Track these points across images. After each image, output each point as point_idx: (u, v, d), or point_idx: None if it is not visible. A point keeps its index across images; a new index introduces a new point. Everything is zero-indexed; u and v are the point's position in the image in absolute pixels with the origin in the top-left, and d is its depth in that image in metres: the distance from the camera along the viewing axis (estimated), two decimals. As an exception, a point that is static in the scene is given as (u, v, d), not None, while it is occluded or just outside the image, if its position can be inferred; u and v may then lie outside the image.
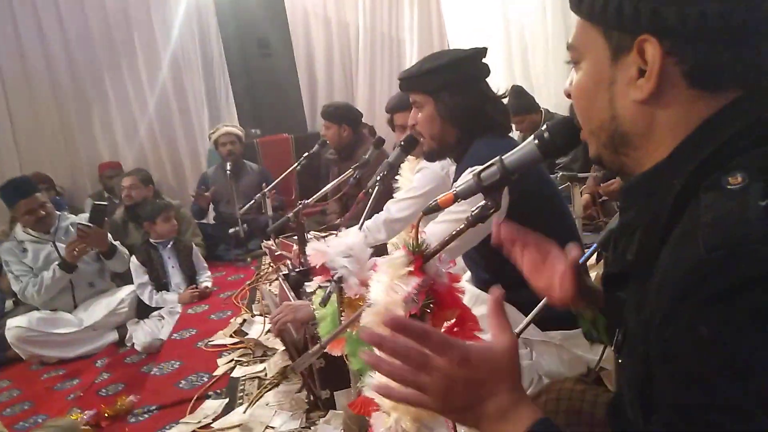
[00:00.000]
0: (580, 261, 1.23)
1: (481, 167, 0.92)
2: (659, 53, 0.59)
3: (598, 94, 0.68)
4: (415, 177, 2.21)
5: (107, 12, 5.00)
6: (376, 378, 0.84)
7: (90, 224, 3.07)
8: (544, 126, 0.87)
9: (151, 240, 3.33)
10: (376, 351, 0.66)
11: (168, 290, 3.27)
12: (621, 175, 0.74)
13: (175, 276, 3.34)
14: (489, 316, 0.69)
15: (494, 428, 0.63)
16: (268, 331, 2.52)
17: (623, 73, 0.64)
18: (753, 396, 0.47)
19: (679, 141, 0.63)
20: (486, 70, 1.58)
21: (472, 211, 0.93)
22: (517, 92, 3.62)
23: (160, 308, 3.16)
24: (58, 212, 3.26)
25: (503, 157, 0.89)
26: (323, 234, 3.07)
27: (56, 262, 3.06)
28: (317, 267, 1.45)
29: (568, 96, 0.76)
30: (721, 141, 0.59)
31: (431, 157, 1.68)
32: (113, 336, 3.10)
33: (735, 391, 0.48)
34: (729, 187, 0.54)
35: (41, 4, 4.79)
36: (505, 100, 1.66)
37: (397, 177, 2.46)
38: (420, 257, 1.00)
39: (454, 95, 1.51)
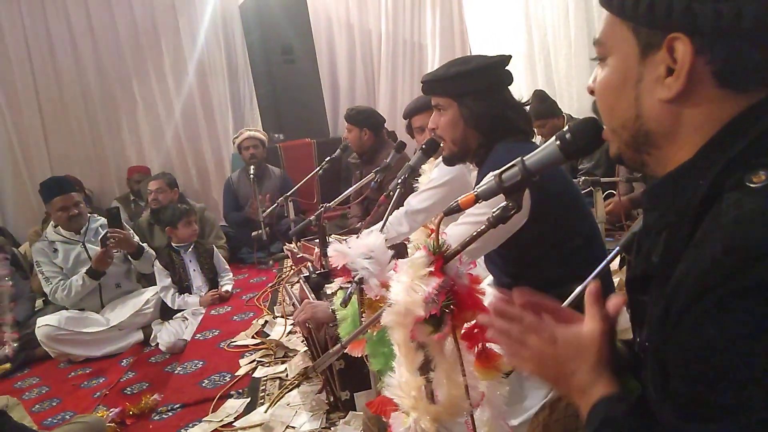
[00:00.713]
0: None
1: (504, 168, 0.93)
2: (690, 52, 0.59)
3: (623, 92, 0.67)
4: (434, 170, 2.22)
5: (136, 19, 5.13)
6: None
7: (117, 229, 3.15)
8: (566, 127, 0.87)
9: (173, 244, 3.39)
10: None
11: (190, 293, 3.33)
12: (642, 172, 0.74)
13: (197, 279, 3.39)
14: (586, 303, 0.75)
15: (578, 400, 0.72)
16: (290, 332, 2.54)
17: (651, 71, 0.63)
18: (762, 398, 0.47)
19: (704, 141, 0.62)
20: (510, 78, 1.58)
21: (493, 212, 0.93)
22: (540, 97, 3.60)
23: (183, 310, 3.21)
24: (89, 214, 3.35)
25: (524, 158, 0.89)
26: (344, 237, 3.10)
27: (84, 270, 3.14)
28: (338, 268, 1.46)
29: (591, 93, 0.75)
30: (747, 141, 0.58)
31: (451, 160, 1.68)
32: (138, 336, 3.17)
33: (745, 393, 0.48)
34: (752, 185, 0.54)
35: (73, 10, 4.94)
36: (528, 107, 1.66)
37: (417, 178, 2.48)
38: (440, 258, 1.01)
39: (478, 101, 1.51)
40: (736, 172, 0.57)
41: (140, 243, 3.37)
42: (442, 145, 1.68)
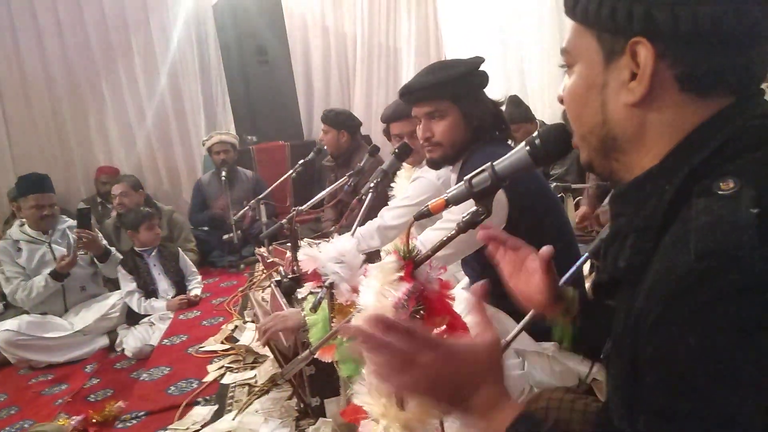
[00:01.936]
0: (570, 272, 1.24)
1: (474, 173, 0.92)
2: (652, 56, 0.60)
3: (590, 98, 0.68)
4: (411, 186, 2.20)
5: (105, 16, 5.01)
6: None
7: (86, 230, 3.07)
8: (536, 133, 0.87)
9: (135, 248, 3.31)
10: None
11: (156, 297, 3.25)
12: (611, 180, 0.74)
13: (162, 282, 3.32)
14: (471, 313, 0.70)
15: (481, 422, 0.64)
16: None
17: (615, 77, 0.64)
18: (736, 405, 0.47)
19: (671, 146, 0.63)
20: (487, 78, 1.61)
21: (463, 217, 0.93)
22: (514, 102, 3.66)
23: (150, 315, 3.14)
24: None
25: (494, 163, 0.89)
26: (317, 241, 3.07)
27: (47, 271, 3.06)
28: (309, 273, 1.44)
29: (561, 101, 0.76)
30: (713, 147, 0.59)
31: (441, 163, 1.66)
32: (103, 341, 3.08)
33: (719, 400, 0.48)
34: (720, 192, 0.54)
35: (39, 6, 4.79)
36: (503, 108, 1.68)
37: (392, 185, 2.46)
38: (410, 263, 1.00)
39: (476, 101, 1.56)
40: (703, 178, 0.57)
41: (107, 246, 3.29)
42: (429, 149, 1.65)
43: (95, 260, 3.24)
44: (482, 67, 1.60)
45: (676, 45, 0.59)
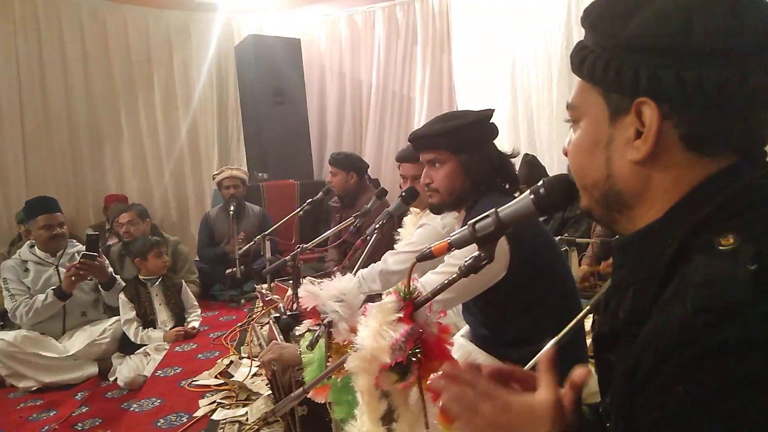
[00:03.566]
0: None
1: (478, 218, 0.93)
2: (656, 116, 0.61)
3: (595, 153, 0.69)
4: (416, 232, 2.22)
5: (130, 50, 5.20)
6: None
7: (94, 254, 3.09)
8: (541, 182, 0.88)
9: (141, 276, 3.31)
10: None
11: (155, 327, 3.22)
12: (612, 230, 0.75)
13: (162, 313, 3.29)
14: (539, 371, 0.73)
15: None
16: (254, 374, 2.46)
17: (621, 134, 0.65)
18: None
19: (674, 202, 0.64)
20: (496, 131, 1.64)
21: (466, 261, 0.93)
22: (530, 162, 3.59)
23: (145, 345, 3.11)
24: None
25: (498, 210, 0.90)
26: (319, 280, 3.06)
27: (52, 287, 3.06)
28: (308, 310, 1.43)
29: (566, 154, 0.78)
30: (716, 204, 0.60)
31: (440, 209, 1.70)
32: (93, 369, 3.04)
33: None
34: (720, 247, 0.55)
35: (68, 36, 4.98)
36: (515, 161, 1.71)
37: (399, 229, 2.48)
38: (410, 304, 1.00)
39: (477, 152, 1.57)
40: (705, 233, 0.58)
41: (113, 274, 3.29)
42: (429, 194, 1.69)
43: (99, 287, 3.23)
44: (493, 118, 1.63)
45: (681, 106, 0.60)
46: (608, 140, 0.67)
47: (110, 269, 3.29)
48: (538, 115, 4.40)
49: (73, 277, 3.03)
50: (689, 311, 0.51)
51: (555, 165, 4.13)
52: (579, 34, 4.02)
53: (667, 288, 0.58)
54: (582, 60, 0.69)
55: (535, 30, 4.34)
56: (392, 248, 2.26)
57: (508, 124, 4.62)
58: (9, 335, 2.97)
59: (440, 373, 0.81)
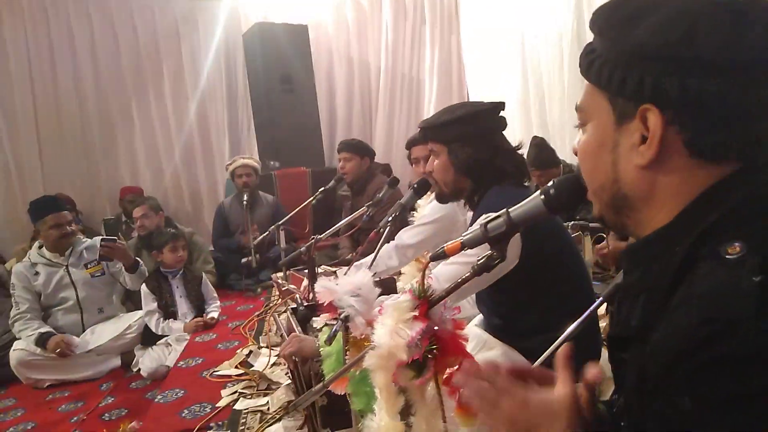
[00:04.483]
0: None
1: (490, 217, 0.95)
2: (660, 122, 0.62)
3: (601, 156, 0.70)
4: (428, 206, 2.28)
5: (138, 42, 5.22)
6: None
7: (113, 237, 3.13)
8: (551, 182, 0.89)
9: (162, 269, 3.37)
10: None
11: (175, 318, 3.29)
12: (623, 233, 0.77)
13: (183, 305, 3.35)
14: (557, 368, 0.75)
15: None
16: (274, 364, 2.51)
17: (626, 138, 0.66)
18: None
19: (680, 208, 0.64)
20: (503, 123, 1.63)
21: (478, 260, 0.95)
22: (539, 145, 3.55)
23: (167, 336, 3.18)
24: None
25: (510, 210, 0.91)
26: (334, 269, 3.10)
27: (34, 335, 2.96)
28: (325, 304, 1.46)
29: (576, 154, 0.79)
30: (721, 212, 0.60)
31: (442, 199, 1.76)
32: (116, 362, 3.11)
33: None
34: (727, 256, 0.56)
35: (77, 31, 5.01)
36: (523, 151, 1.71)
37: (413, 213, 2.53)
38: (425, 302, 1.02)
39: (466, 147, 1.57)
40: (711, 241, 0.59)
41: (136, 258, 3.33)
42: (432, 182, 1.74)
43: (124, 270, 3.26)
44: (504, 99, 1.64)
45: (684, 114, 0.61)
46: (614, 144, 0.68)
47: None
48: (549, 96, 4.35)
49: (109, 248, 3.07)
50: (694, 322, 0.53)
51: (567, 146, 4.09)
52: (589, 13, 3.94)
53: (675, 295, 0.59)
54: (590, 64, 0.70)
55: (545, 9, 4.27)
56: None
57: (520, 105, 4.57)
58: (24, 343, 2.97)
59: (460, 368, 0.84)
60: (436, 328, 1.02)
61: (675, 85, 0.60)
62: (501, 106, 1.62)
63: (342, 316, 1.37)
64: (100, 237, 3.18)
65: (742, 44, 0.58)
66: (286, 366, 2.04)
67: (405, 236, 2.25)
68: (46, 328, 3.04)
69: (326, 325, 1.63)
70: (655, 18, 0.62)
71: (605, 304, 1.54)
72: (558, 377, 0.74)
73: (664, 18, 0.61)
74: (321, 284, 1.45)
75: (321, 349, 1.54)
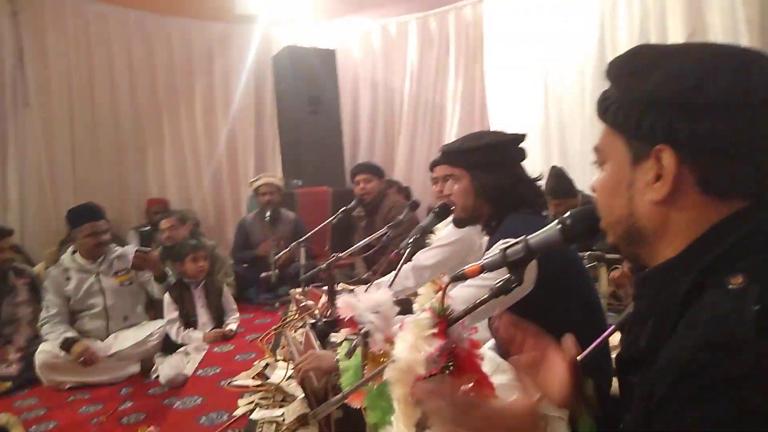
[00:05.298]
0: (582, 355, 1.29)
1: (509, 242, 1.01)
2: (674, 162, 0.67)
3: (618, 193, 0.76)
4: (445, 229, 2.34)
5: (174, 60, 5.42)
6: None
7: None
8: (568, 213, 0.96)
9: (184, 279, 3.47)
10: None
11: (195, 328, 3.37)
12: (635, 262, 0.83)
13: (203, 315, 3.44)
14: (517, 379, 0.80)
15: None
16: (290, 377, 2.57)
17: (642, 177, 0.72)
18: None
19: (690, 241, 0.70)
20: (523, 155, 1.69)
21: (496, 283, 1.01)
22: (557, 175, 3.59)
23: (186, 345, 3.26)
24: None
25: (528, 238, 0.98)
26: (352, 287, 3.16)
27: (60, 339, 3.06)
28: (345, 319, 1.53)
29: (593, 191, 0.85)
30: (728, 245, 0.66)
31: (461, 224, 1.81)
32: (135, 368, 3.19)
33: None
34: (730, 286, 0.61)
35: (116, 47, 5.22)
36: (542, 182, 1.77)
37: (430, 235, 2.60)
38: (444, 321, 1.08)
39: (488, 174, 1.63)
40: (717, 272, 0.64)
41: (165, 270, 3.44)
42: (452, 207, 1.81)
43: (154, 280, 3.38)
44: (525, 128, 1.70)
45: (696, 154, 0.67)
46: (630, 182, 0.74)
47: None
48: (571, 126, 4.41)
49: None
50: (698, 345, 0.58)
51: (587, 177, 4.13)
52: (612, 46, 4.04)
53: (681, 321, 0.65)
54: (606, 109, 0.76)
55: (568, 43, 4.36)
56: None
57: (541, 134, 4.64)
58: (51, 345, 3.05)
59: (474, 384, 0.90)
60: (453, 345, 1.08)
61: (685, 129, 0.66)
62: (522, 138, 1.69)
63: (362, 331, 1.44)
64: (133, 247, 3.29)
65: (746, 90, 0.64)
66: (297, 381, 2.09)
67: (422, 258, 2.31)
68: (72, 333, 3.14)
69: (346, 339, 1.69)
70: (666, 69, 0.68)
71: (618, 334, 1.59)
72: (519, 387, 0.80)
73: (675, 69, 0.68)
74: (343, 300, 1.52)
75: (340, 362, 1.60)
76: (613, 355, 1.87)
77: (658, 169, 0.69)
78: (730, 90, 0.65)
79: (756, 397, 0.53)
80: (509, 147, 1.66)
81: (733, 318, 0.58)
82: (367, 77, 6.04)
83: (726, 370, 0.55)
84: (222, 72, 5.55)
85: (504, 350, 0.97)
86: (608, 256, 2.61)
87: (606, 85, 0.79)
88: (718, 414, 0.54)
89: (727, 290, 0.61)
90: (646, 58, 0.72)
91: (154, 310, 3.56)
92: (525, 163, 1.74)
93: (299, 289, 3.10)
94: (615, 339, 1.68)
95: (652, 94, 0.69)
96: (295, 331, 3.10)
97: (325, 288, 2.52)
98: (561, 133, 4.52)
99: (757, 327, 0.56)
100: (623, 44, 3.75)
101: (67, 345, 3.06)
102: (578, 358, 1.30)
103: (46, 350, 3.06)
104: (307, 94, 5.22)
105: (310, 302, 2.77)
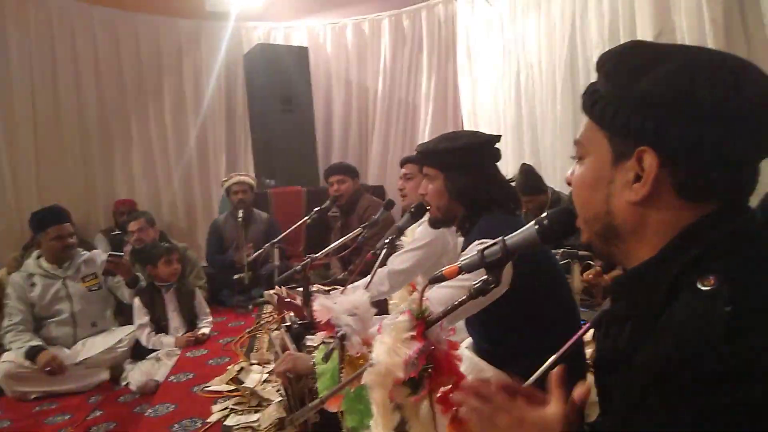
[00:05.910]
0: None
1: (486, 244, 1.01)
2: (656, 164, 0.68)
3: (597, 190, 0.76)
4: (417, 230, 2.33)
5: (141, 58, 5.29)
6: None
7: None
8: (545, 213, 0.96)
9: (155, 282, 3.39)
10: None
11: (166, 333, 3.30)
12: (608, 261, 0.83)
13: (174, 320, 3.36)
14: (551, 387, 0.79)
15: None
16: (265, 381, 2.53)
17: (621, 176, 0.72)
18: None
19: (664, 242, 0.71)
20: (497, 155, 1.70)
21: (474, 285, 1.00)
22: (527, 172, 3.63)
23: (157, 350, 3.18)
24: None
25: (506, 238, 0.97)
26: (327, 288, 3.13)
27: (25, 348, 2.96)
28: (321, 322, 1.51)
29: (569, 184, 0.85)
30: (701, 247, 0.67)
31: (435, 224, 1.81)
32: (105, 375, 3.11)
33: None
34: (702, 288, 0.62)
35: (80, 44, 5.05)
36: (514, 182, 1.78)
37: (402, 237, 2.59)
38: (422, 323, 1.07)
39: (462, 176, 1.64)
40: (691, 274, 0.65)
41: (136, 274, 3.35)
42: (427, 206, 1.80)
43: (125, 285, 3.30)
44: (499, 131, 1.71)
45: (679, 158, 0.67)
46: (610, 179, 0.74)
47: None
48: (542, 125, 4.46)
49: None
50: (671, 346, 0.59)
51: (558, 174, 4.19)
52: (582, 47, 4.10)
53: (658, 322, 0.65)
54: (593, 103, 0.75)
55: (540, 42, 4.41)
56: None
57: (512, 133, 4.68)
58: (13, 355, 2.94)
59: (456, 387, 0.89)
60: (432, 348, 1.07)
61: (674, 133, 0.66)
62: (497, 139, 1.69)
63: (339, 334, 1.42)
64: (101, 251, 3.20)
65: (737, 99, 0.65)
66: (279, 383, 2.06)
67: (396, 261, 2.29)
68: (37, 341, 3.03)
69: (323, 342, 1.67)
70: (661, 71, 0.68)
71: (592, 331, 1.60)
72: (552, 396, 0.78)
73: (669, 71, 0.67)
74: (319, 302, 1.50)
75: (316, 366, 1.58)
76: (588, 351, 1.89)
77: (639, 170, 0.70)
78: (722, 100, 0.65)
79: (727, 395, 0.54)
80: (484, 148, 1.66)
81: (706, 319, 0.59)
82: (341, 75, 6.01)
83: (699, 369, 0.56)
84: (192, 70, 5.43)
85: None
86: (581, 252, 2.64)
87: (576, 82, 0.79)
88: (692, 414, 0.56)
89: (699, 292, 0.62)
90: (641, 57, 0.72)
91: (123, 316, 3.47)
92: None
93: (280, 290, 3.05)
94: (588, 335, 1.70)
95: (644, 96, 0.69)
96: (271, 333, 3.05)
97: (301, 290, 2.48)
98: (533, 131, 4.56)
99: (728, 328, 0.57)
100: (593, 43, 3.80)
101: (32, 354, 2.95)
102: (557, 354, 1.31)
103: (10, 360, 2.95)
104: (280, 93, 5.16)
105: (294, 295, 2.70)
